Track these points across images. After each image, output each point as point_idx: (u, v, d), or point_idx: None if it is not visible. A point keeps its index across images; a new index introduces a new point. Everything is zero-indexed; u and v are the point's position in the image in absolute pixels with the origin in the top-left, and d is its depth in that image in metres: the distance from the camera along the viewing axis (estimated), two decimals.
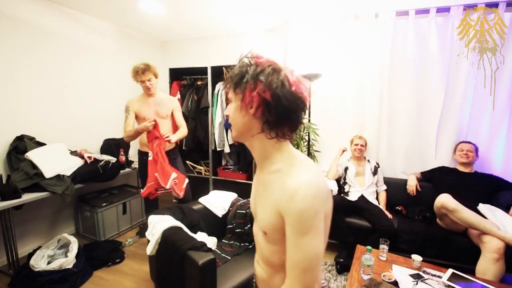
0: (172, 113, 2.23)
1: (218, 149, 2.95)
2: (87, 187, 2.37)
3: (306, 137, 2.70)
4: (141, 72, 2.01)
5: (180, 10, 2.57)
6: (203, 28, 3.18)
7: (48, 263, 1.96)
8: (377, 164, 2.55)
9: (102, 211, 2.46)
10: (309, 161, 0.65)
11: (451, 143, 2.44)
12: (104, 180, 2.38)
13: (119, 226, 2.66)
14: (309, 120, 2.68)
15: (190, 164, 3.20)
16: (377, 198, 2.44)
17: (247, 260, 1.58)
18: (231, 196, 2.00)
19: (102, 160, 2.37)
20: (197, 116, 2.98)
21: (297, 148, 2.55)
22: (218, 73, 3.03)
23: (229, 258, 1.59)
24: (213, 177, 3.05)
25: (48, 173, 2.03)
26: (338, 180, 2.57)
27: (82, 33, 2.69)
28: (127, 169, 2.68)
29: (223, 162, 3.29)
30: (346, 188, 2.50)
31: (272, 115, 0.59)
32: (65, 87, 2.56)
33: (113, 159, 2.48)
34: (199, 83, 3.12)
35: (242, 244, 1.74)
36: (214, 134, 2.94)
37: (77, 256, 2.01)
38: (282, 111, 0.59)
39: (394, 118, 2.64)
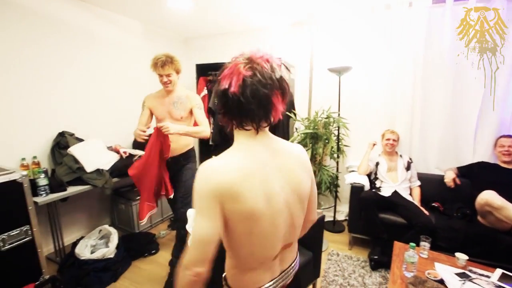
0: (191, 112, 1.92)
1: None
2: (121, 181, 2.47)
3: (336, 132, 2.66)
4: (160, 65, 1.73)
5: (206, 5, 2.57)
6: (227, 24, 3.17)
7: (91, 252, 2.07)
8: (410, 159, 2.48)
9: (136, 204, 2.55)
10: (235, 151, 0.70)
11: (491, 137, 2.32)
12: None
13: (152, 219, 2.76)
14: (338, 115, 2.63)
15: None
16: (410, 194, 2.37)
17: None
18: None
19: (136, 155, 2.45)
20: None
21: (327, 142, 2.52)
22: None
23: None
24: None
25: (89, 167, 2.12)
26: (369, 176, 2.52)
27: (113, 31, 2.76)
28: None
29: None
30: (378, 183, 2.45)
31: (221, 109, 0.69)
32: (97, 84, 2.65)
33: None
34: None
35: None
36: None
37: (117, 247, 2.11)
38: (228, 107, 0.66)
39: (428, 110, 2.55)
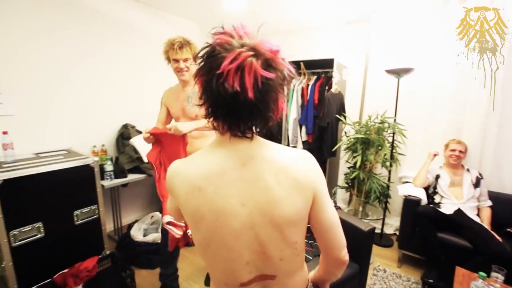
0: None
1: (291, 145, 2.93)
2: None
3: (390, 138, 2.46)
4: (178, 47, 1.50)
5: (259, 5, 2.59)
6: (278, 23, 3.17)
7: (144, 235, 2.26)
8: (480, 175, 2.17)
9: None
10: (201, 153, 0.61)
11: None
12: None
13: None
14: (394, 120, 2.43)
15: None
16: (478, 215, 2.08)
17: None
18: None
19: None
20: None
21: (380, 149, 2.35)
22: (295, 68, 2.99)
23: (311, 258, 1.57)
24: None
25: (146, 158, 2.32)
26: (426, 189, 2.28)
27: (172, 32, 2.92)
28: None
29: None
30: (437, 198, 2.20)
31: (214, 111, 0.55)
32: (156, 82, 2.87)
33: None
34: None
35: None
36: (288, 129, 2.93)
37: None
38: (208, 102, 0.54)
39: (507, 119, 2.19)
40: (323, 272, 0.73)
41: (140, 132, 2.60)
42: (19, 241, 1.53)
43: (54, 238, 1.67)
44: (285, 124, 2.99)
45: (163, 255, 1.73)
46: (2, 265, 1.77)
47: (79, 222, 1.76)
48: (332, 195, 3.08)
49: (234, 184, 0.55)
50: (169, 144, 1.49)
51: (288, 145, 2.98)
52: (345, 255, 0.65)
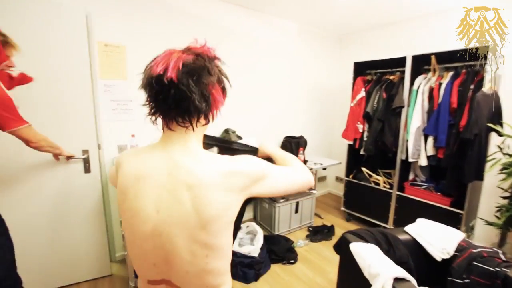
0: None
1: (410, 159, 2.34)
2: None
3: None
4: None
5: None
6: (390, 12, 2.62)
7: (239, 244, 2.20)
8: None
9: (279, 206, 2.54)
10: (147, 149, 0.64)
11: None
12: None
13: (291, 224, 2.69)
14: None
15: (366, 172, 2.78)
16: None
17: None
18: (455, 234, 1.42)
19: None
20: (386, 117, 2.49)
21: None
22: (419, 64, 2.39)
23: None
24: (397, 192, 2.48)
25: None
26: None
27: (269, 33, 2.85)
28: None
29: (410, 176, 2.62)
30: None
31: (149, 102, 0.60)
32: (252, 86, 2.82)
33: None
34: (391, 77, 2.59)
35: None
36: (407, 140, 2.35)
37: (261, 247, 2.13)
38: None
39: None
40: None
41: (240, 138, 2.59)
42: None
43: None
44: (403, 134, 2.42)
45: None
46: (125, 253, 1.99)
47: None
48: (470, 230, 2.29)
49: (155, 190, 0.58)
50: None
51: (406, 159, 2.39)
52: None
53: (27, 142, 1.28)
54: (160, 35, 2.15)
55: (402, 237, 1.43)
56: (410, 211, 2.37)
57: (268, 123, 2.99)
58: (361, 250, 1.22)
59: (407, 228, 1.49)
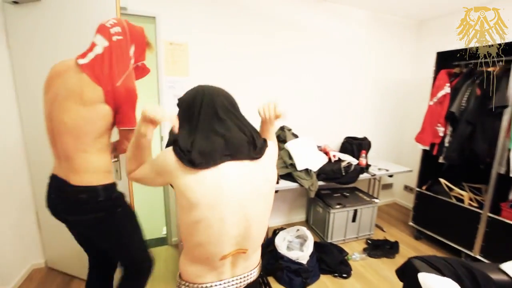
0: None
1: None
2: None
3: None
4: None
5: None
6: None
7: (287, 247, 2.10)
8: None
9: (334, 213, 2.33)
10: None
11: None
12: (344, 182, 2.20)
13: (346, 233, 2.45)
14: None
15: (446, 184, 2.31)
16: None
17: None
18: None
19: (345, 161, 2.19)
20: (479, 119, 2.01)
21: None
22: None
23: None
24: (489, 214, 1.99)
25: (300, 166, 2.13)
26: None
27: (337, 24, 2.61)
28: (365, 174, 2.35)
29: (511, 196, 2.07)
30: None
31: None
32: (312, 82, 2.63)
33: (354, 161, 2.24)
34: (490, 69, 2.07)
35: None
36: (509, 150, 1.85)
37: (310, 255, 1.99)
38: None
39: None
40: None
41: (295, 136, 2.46)
42: None
43: None
44: (503, 141, 1.90)
45: None
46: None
47: None
48: None
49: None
50: None
51: (507, 173, 1.88)
52: None
53: (126, 144, 1.12)
54: (220, 33, 2.18)
55: (496, 276, 1.11)
56: (508, 241, 1.87)
57: (327, 122, 2.78)
58: (435, 286, 0.99)
59: (505, 266, 1.15)
